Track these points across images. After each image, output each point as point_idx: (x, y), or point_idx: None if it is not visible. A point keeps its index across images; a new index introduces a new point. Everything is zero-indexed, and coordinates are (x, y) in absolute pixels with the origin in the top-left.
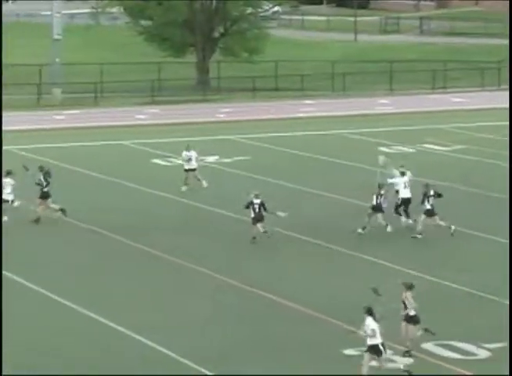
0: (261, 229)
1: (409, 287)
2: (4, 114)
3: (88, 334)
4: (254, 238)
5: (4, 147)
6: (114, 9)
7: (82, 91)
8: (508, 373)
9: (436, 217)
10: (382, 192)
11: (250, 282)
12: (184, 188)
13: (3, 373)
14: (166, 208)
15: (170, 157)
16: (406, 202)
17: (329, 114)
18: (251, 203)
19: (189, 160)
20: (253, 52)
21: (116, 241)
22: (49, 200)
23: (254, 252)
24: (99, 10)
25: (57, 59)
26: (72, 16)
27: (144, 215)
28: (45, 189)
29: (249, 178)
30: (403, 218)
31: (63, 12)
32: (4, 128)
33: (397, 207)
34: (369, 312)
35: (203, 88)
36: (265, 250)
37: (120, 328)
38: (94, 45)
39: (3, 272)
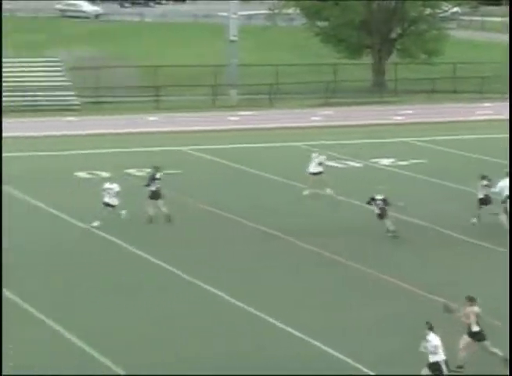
0: (391, 227)
1: (471, 299)
2: (179, 115)
3: (255, 332)
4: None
5: (178, 148)
6: (291, 10)
7: (257, 92)
8: (508, 373)
9: None
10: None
11: (421, 285)
12: (307, 192)
13: (3, 373)
14: (337, 211)
15: (345, 159)
16: None
17: (506, 117)
18: (373, 199)
19: (320, 164)
20: (432, 54)
21: (287, 242)
22: (160, 201)
23: (425, 255)
24: (276, 11)
25: (233, 60)
26: (249, 17)
27: (316, 218)
28: (153, 189)
29: (425, 181)
30: None
31: (240, 13)
32: (179, 128)
33: None
34: (431, 327)
35: (379, 90)
36: (439, 253)
37: (288, 328)
38: (270, 46)
39: (174, 270)
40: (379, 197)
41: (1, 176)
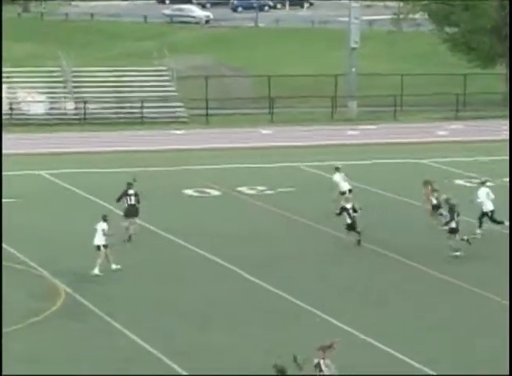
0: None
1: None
2: (294, 128)
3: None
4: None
5: (293, 164)
6: (417, 15)
7: (379, 104)
8: (508, 373)
9: None
10: None
11: None
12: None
13: (3, 373)
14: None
15: (473, 177)
16: None
17: None
18: (344, 208)
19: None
20: None
21: (407, 266)
22: (133, 219)
23: None
24: (402, 16)
25: (353, 69)
26: (371, 22)
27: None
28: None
29: None
30: None
31: (362, 18)
32: (294, 143)
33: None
34: None
35: None
36: None
37: (411, 361)
38: (394, 54)
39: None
40: (349, 205)
41: (1, 179)
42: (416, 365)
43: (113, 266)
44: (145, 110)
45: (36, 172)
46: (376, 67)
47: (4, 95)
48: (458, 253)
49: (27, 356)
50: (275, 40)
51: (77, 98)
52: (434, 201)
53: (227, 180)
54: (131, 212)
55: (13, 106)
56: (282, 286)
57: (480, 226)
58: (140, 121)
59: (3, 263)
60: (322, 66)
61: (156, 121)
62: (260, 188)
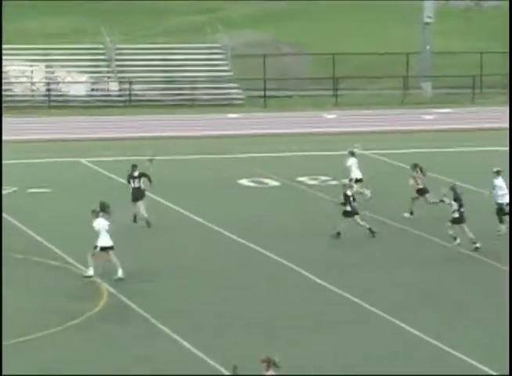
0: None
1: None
2: (361, 112)
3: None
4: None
5: (359, 151)
6: None
7: (456, 86)
8: (508, 373)
9: None
10: None
11: None
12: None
13: (3, 373)
14: None
15: None
16: None
17: None
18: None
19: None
20: None
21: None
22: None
23: None
24: None
25: (427, 47)
26: None
27: None
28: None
29: None
30: None
31: None
32: (361, 128)
33: None
34: None
35: None
36: None
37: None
38: (472, 31)
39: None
40: (349, 192)
41: (1, 177)
42: None
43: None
44: (196, 92)
45: (75, 159)
46: (450, 45)
47: (41, 74)
48: (458, 241)
49: (64, 361)
50: (339, 14)
51: (121, 78)
52: (421, 186)
53: (286, 169)
54: (136, 195)
55: (51, 87)
56: (351, 289)
57: (501, 221)
58: (190, 104)
59: (37, 259)
60: (392, 44)
61: (209, 103)
62: (322, 178)
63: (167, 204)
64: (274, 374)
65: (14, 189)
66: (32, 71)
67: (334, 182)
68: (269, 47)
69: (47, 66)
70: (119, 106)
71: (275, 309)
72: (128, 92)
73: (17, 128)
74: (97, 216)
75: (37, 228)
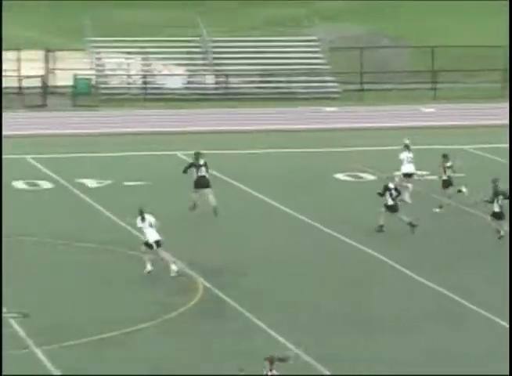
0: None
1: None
2: (461, 106)
3: None
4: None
5: (461, 146)
6: None
7: None
8: (508, 373)
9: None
10: None
11: None
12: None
13: (3, 373)
14: None
15: None
16: None
17: None
18: (387, 188)
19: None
20: None
21: None
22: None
23: None
24: None
25: None
26: None
27: None
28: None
29: None
30: None
31: None
32: (461, 122)
33: None
34: None
35: None
36: None
37: None
38: None
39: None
40: (392, 185)
41: (1, 175)
42: None
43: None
44: (292, 85)
45: (172, 153)
46: None
47: (138, 67)
48: (502, 233)
49: (158, 355)
50: (438, 6)
51: (217, 71)
52: (445, 177)
53: (383, 164)
54: (202, 183)
55: (148, 80)
56: (449, 286)
57: None
58: (287, 97)
59: (132, 252)
60: (491, 36)
61: (305, 96)
62: (418, 172)
63: (258, 195)
64: (276, 374)
65: (109, 182)
66: (128, 64)
67: (432, 177)
68: (366, 40)
69: (143, 59)
70: (215, 99)
71: (372, 304)
72: (224, 85)
73: (113, 121)
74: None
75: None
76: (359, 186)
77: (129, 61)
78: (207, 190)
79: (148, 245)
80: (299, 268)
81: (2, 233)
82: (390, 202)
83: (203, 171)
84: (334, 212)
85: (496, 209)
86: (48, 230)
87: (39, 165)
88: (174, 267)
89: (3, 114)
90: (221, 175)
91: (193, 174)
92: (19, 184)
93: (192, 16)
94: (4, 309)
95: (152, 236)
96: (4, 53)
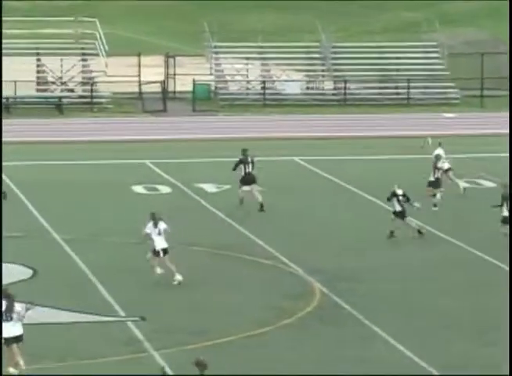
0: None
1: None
2: None
3: None
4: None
5: None
6: None
7: None
8: (508, 373)
9: None
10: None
11: None
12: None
13: (3, 373)
14: None
15: None
16: None
17: None
18: (395, 194)
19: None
20: None
21: None
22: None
23: None
24: None
25: None
26: None
27: None
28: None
29: None
30: None
31: None
32: None
33: None
34: None
35: None
36: None
37: None
38: None
39: None
40: (400, 191)
41: (1, 177)
42: None
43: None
44: (411, 91)
45: (289, 158)
46: None
47: (257, 72)
48: None
49: (277, 360)
50: None
51: (336, 77)
52: (432, 178)
53: (504, 171)
54: (248, 180)
55: (267, 85)
56: None
57: None
58: (406, 103)
59: (250, 258)
60: None
61: (424, 102)
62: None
63: (375, 201)
64: None
65: (228, 186)
66: (248, 69)
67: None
68: (487, 45)
69: (262, 64)
70: (333, 105)
71: (491, 312)
72: (342, 91)
73: (232, 126)
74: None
75: (251, 226)
76: (479, 193)
77: (248, 66)
78: (253, 186)
79: (155, 252)
80: (417, 274)
81: (111, 238)
82: (398, 208)
83: (250, 168)
84: (451, 219)
85: (505, 213)
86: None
87: (158, 170)
88: (178, 277)
89: (124, 119)
90: (338, 180)
91: (241, 171)
92: (139, 188)
93: (311, 22)
94: (122, 313)
95: (159, 243)
96: (125, 58)
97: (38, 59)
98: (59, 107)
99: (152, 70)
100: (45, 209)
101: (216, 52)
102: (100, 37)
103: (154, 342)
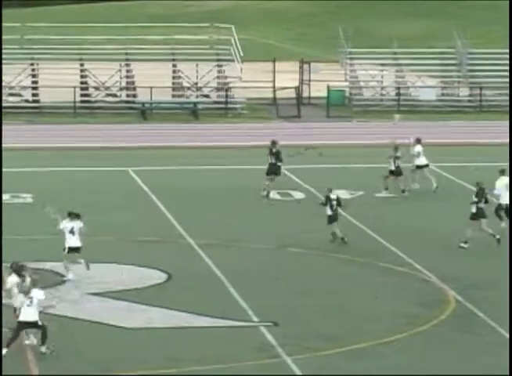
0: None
1: None
2: None
3: None
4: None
5: None
6: None
7: None
8: (508, 373)
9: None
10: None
11: None
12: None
13: (3, 373)
14: None
15: None
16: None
17: None
18: (328, 198)
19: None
20: None
21: None
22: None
23: None
24: None
25: None
26: None
27: None
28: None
29: None
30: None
31: None
32: None
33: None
34: None
35: None
36: None
37: None
38: None
39: None
40: (333, 196)
41: (1, 179)
42: None
43: None
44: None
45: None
46: None
47: (391, 78)
48: (465, 245)
49: (412, 367)
50: None
51: (472, 83)
52: (392, 167)
53: None
54: (271, 170)
55: (401, 91)
56: None
57: (501, 219)
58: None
59: (383, 264)
60: None
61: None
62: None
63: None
64: None
65: (360, 193)
66: (382, 76)
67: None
68: None
69: (397, 71)
70: (469, 112)
71: None
72: (478, 98)
73: (367, 132)
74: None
75: (384, 232)
76: None
77: (383, 72)
78: (272, 177)
79: (69, 250)
80: None
81: (246, 243)
82: (329, 212)
83: (273, 159)
84: None
85: (473, 210)
86: (299, 240)
87: (292, 176)
88: (70, 276)
89: (258, 125)
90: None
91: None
92: (273, 194)
93: (446, 28)
94: (255, 318)
95: (72, 241)
96: (259, 64)
97: (174, 65)
98: (194, 113)
99: (286, 76)
100: (179, 214)
101: (351, 58)
102: (235, 43)
103: (287, 348)
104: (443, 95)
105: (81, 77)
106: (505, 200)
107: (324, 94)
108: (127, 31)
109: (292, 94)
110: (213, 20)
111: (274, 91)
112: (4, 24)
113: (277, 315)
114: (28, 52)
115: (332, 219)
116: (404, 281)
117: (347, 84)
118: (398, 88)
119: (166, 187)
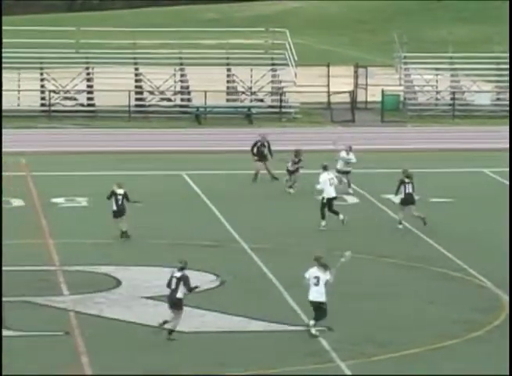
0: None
1: None
2: None
3: None
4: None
5: None
6: None
7: None
8: (508, 373)
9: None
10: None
11: None
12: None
13: (3, 373)
14: None
15: None
16: None
17: None
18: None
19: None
20: None
21: None
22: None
23: None
24: None
25: None
26: None
27: None
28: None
29: None
30: None
31: None
32: None
33: None
34: None
35: None
36: None
37: None
38: None
39: None
40: (120, 191)
41: (1, 181)
42: None
43: None
44: None
45: (479, 170)
46: None
47: (446, 83)
48: (400, 226)
49: (462, 373)
50: None
51: None
52: (290, 168)
53: None
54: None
55: (456, 96)
56: None
57: (323, 217)
58: None
59: (437, 269)
60: None
61: None
62: None
63: None
64: None
65: (417, 197)
66: (437, 80)
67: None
68: None
69: (452, 75)
70: None
71: None
72: None
73: (421, 137)
74: None
75: (439, 238)
76: None
77: (438, 77)
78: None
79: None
80: None
81: (299, 248)
82: (114, 207)
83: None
84: None
85: (396, 200)
86: (351, 245)
87: (346, 180)
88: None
89: (312, 129)
90: None
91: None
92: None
93: (501, 32)
94: (310, 322)
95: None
96: (314, 69)
97: (228, 70)
98: (248, 117)
99: (340, 81)
100: (233, 218)
101: (405, 63)
102: (290, 48)
103: (340, 353)
104: (498, 99)
105: (136, 81)
106: (330, 195)
107: (378, 99)
108: (181, 36)
109: (346, 98)
110: (266, 25)
111: (328, 95)
112: (60, 28)
113: (331, 319)
114: (83, 56)
115: (120, 214)
116: (459, 287)
117: (401, 88)
118: (453, 93)
119: (220, 191)
